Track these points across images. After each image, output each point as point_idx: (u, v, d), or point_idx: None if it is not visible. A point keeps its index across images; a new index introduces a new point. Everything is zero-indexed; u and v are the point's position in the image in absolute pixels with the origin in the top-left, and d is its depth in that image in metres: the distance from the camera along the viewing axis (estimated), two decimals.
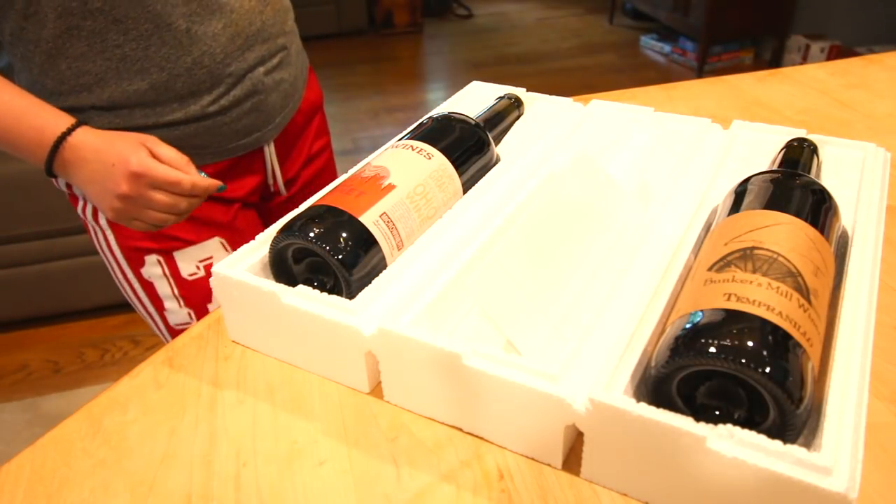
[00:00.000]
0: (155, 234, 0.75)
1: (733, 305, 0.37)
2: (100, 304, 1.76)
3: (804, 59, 2.99)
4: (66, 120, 0.64)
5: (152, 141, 0.65)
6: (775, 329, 0.36)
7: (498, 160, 0.61)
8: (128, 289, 0.81)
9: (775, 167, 0.55)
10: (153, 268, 0.78)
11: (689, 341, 0.37)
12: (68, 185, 0.77)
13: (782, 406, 0.35)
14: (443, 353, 0.41)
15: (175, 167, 0.64)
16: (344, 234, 0.48)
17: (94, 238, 0.80)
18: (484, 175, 0.58)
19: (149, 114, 0.71)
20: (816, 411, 0.37)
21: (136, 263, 0.78)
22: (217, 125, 0.74)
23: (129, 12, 0.66)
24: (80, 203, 0.77)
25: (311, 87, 0.88)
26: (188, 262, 0.78)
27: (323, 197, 0.52)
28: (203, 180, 0.66)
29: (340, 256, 0.47)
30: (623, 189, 0.59)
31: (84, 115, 0.70)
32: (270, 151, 0.82)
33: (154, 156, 0.64)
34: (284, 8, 0.81)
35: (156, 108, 0.71)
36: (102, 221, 0.76)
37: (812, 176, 0.51)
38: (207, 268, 0.79)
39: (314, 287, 0.47)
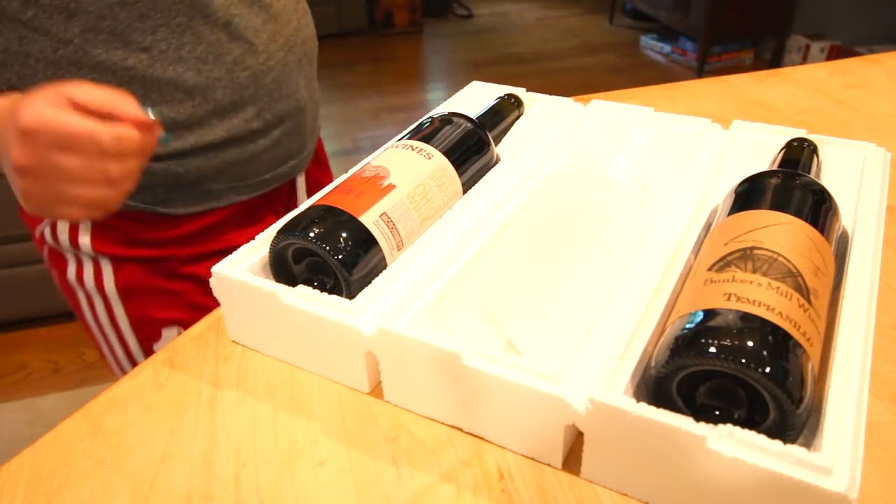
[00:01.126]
0: (179, 303, 0.64)
1: (733, 305, 0.37)
2: None
3: (804, 59, 2.99)
4: None
5: (76, 86, 0.46)
6: (775, 329, 0.36)
7: (498, 160, 0.61)
8: (118, 351, 0.70)
9: (775, 167, 0.55)
10: (168, 336, 0.68)
11: (689, 341, 0.37)
12: (53, 234, 0.66)
13: (782, 406, 0.35)
14: (443, 353, 0.41)
15: (98, 111, 0.45)
16: (344, 234, 0.48)
17: (88, 310, 0.67)
18: (484, 175, 0.58)
19: (185, 133, 0.61)
20: (816, 411, 0.37)
21: (150, 338, 0.68)
22: (258, 149, 0.65)
23: (157, 3, 0.55)
24: (72, 268, 0.66)
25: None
26: None
27: (323, 197, 0.52)
28: (135, 124, 0.46)
29: (340, 256, 0.47)
30: (623, 189, 0.59)
31: None
32: (301, 185, 0.74)
33: (73, 104, 0.45)
34: (307, 8, 0.73)
35: (192, 126, 0.61)
36: (109, 286, 0.65)
37: (812, 176, 0.51)
38: None
39: (314, 287, 0.47)
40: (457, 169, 0.56)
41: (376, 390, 0.48)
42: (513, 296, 0.52)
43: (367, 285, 0.47)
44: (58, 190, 0.46)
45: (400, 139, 0.58)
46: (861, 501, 0.33)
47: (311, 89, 0.73)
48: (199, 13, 0.57)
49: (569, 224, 0.54)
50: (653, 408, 0.36)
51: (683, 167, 0.58)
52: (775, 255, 0.40)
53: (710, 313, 0.38)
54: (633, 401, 0.37)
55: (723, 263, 0.41)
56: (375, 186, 0.51)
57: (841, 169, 0.59)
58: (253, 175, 0.67)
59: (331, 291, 0.47)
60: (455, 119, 0.60)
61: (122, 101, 0.46)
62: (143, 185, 0.62)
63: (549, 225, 0.52)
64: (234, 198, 0.68)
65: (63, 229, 0.67)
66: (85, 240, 0.66)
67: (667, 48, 3.38)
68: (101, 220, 0.64)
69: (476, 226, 0.53)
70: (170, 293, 0.69)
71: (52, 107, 0.44)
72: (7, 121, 0.47)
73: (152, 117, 0.47)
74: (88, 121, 0.44)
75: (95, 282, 0.66)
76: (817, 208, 0.45)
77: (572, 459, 0.42)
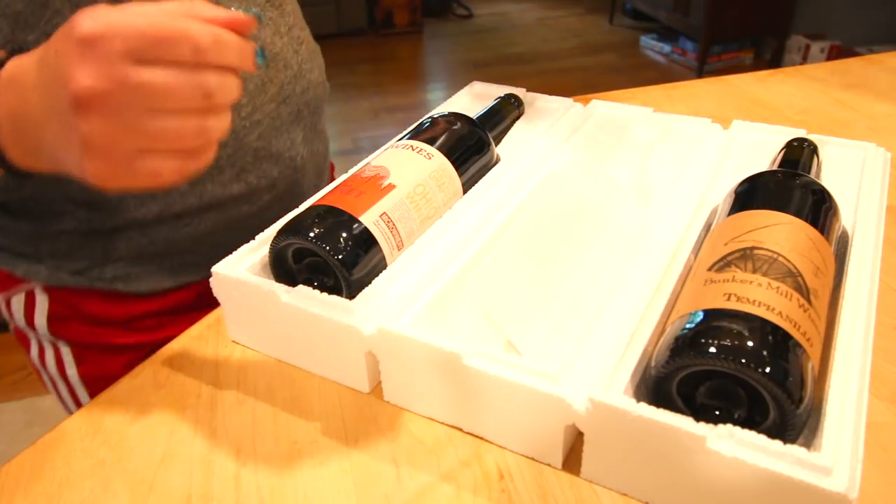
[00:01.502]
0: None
1: (733, 305, 0.37)
2: None
3: (804, 59, 2.99)
4: None
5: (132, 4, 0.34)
6: (775, 329, 0.36)
7: (498, 160, 0.61)
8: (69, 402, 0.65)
9: (775, 167, 0.55)
10: None
11: (689, 341, 0.37)
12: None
13: (782, 406, 0.35)
14: (443, 353, 0.41)
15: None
16: (344, 234, 0.48)
17: (52, 389, 0.62)
18: (484, 175, 0.58)
19: (146, 200, 0.52)
20: (816, 411, 0.37)
21: None
22: (241, 215, 0.57)
23: None
24: (34, 349, 0.60)
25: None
26: None
27: (323, 197, 0.52)
28: (231, 25, 0.34)
29: (340, 256, 0.47)
30: (623, 189, 0.59)
31: (53, 220, 0.52)
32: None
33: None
34: (315, 49, 0.65)
35: (157, 193, 0.52)
36: (71, 373, 0.60)
37: (812, 176, 0.51)
38: None
39: (314, 287, 0.47)
40: (457, 169, 0.56)
41: (376, 390, 0.48)
42: (513, 296, 0.52)
43: (367, 285, 0.47)
44: (140, 125, 0.33)
45: (400, 139, 0.58)
46: (861, 501, 0.33)
47: (312, 144, 0.64)
48: None
49: (569, 224, 0.54)
50: (653, 408, 0.36)
51: (683, 167, 0.58)
52: (775, 255, 0.40)
53: (710, 313, 0.38)
54: (633, 401, 0.37)
55: (723, 263, 0.41)
56: (375, 186, 0.51)
57: (841, 169, 0.59)
58: (240, 243, 0.52)
59: (331, 291, 0.47)
60: (455, 119, 0.60)
61: (200, 5, 0.34)
62: (98, 256, 0.56)
63: (549, 225, 0.52)
64: (196, 273, 0.60)
65: (18, 307, 0.60)
66: (41, 321, 0.59)
67: (667, 48, 3.38)
68: (56, 298, 0.58)
69: (476, 226, 0.53)
70: None
71: (116, 10, 0.32)
72: (45, 67, 0.35)
73: (249, 13, 0.35)
74: (176, 16, 0.32)
75: (57, 367, 0.60)
76: (817, 208, 0.45)
77: (572, 459, 0.42)
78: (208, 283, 0.51)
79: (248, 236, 0.50)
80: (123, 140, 0.33)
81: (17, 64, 0.37)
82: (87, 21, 0.32)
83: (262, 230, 0.51)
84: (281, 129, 0.58)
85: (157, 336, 0.60)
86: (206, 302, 0.54)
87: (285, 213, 0.52)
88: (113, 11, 0.32)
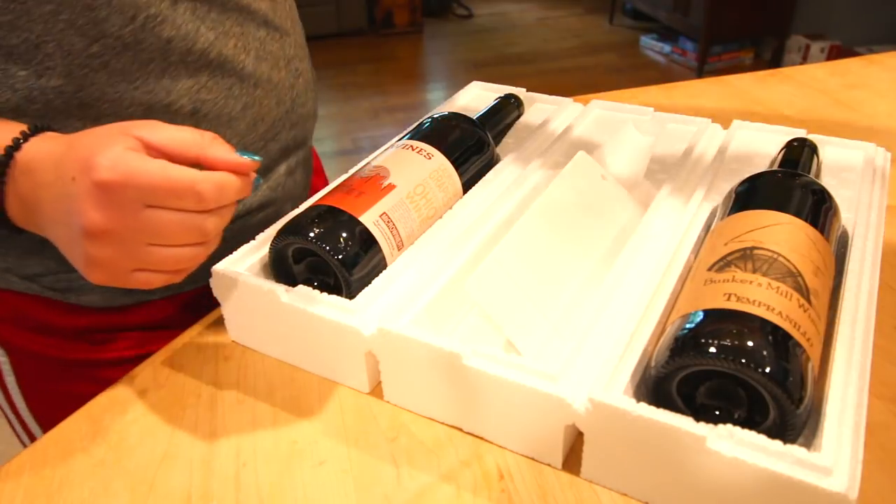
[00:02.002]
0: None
1: (733, 305, 0.37)
2: None
3: (804, 59, 2.99)
4: (12, 129, 0.41)
5: (147, 126, 0.39)
6: (775, 329, 0.36)
7: (498, 160, 0.61)
8: (18, 429, 0.63)
9: (775, 167, 0.55)
10: None
11: (689, 341, 0.37)
12: None
13: (782, 406, 0.35)
14: (443, 353, 0.41)
15: (183, 156, 0.39)
16: (344, 234, 0.48)
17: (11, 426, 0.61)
18: (484, 175, 0.58)
19: None
20: (816, 411, 0.37)
21: None
22: None
23: (105, 91, 0.47)
24: None
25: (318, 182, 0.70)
26: None
27: (323, 197, 0.52)
28: (233, 169, 0.40)
29: (340, 256, 0.47)
30: (623, 189, 0.59)
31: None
32: None
33: (147, 148, 0.39)
34: (312, 79, 0.63)
35: None
36: (9, 381, 0.58)
37: (812, 176, 0.51)
38: None
39: (314, 287, 0.47)
40: (457, 169, 0.56)
41: (376, 390, 0.48)
42: (513, 296, 0.52)
43: (367, 285, 0.47)
44: (141, 254, 0.39)
45: (400, 139, 0.58)
46: (861, 501, 0.33)
47: (294, 174, 0.63)
48: (160, 103, 0.49)
49: (569, 224, 0.54)
50: (653, 408, 0.36)
51: (683, 167, 0.58)
52: (775, 255, 0.40)
53: (710, 313, 0.38)
54: (633, 401, 0.37)
55: (723, 263, 0.41)
56: (375, 186, 0.51)
57: (841, 169, 0.59)
58: (205, 266, 0.51)
59: (331, 291, 0.47)
60: (455, 119, 0.60)
61: (210, 142, 0.39)
62: (52, 266, 0.54)
63: (548, 225, 0.52)
64: (175, 289, 0.57)
65: None
66: None
67: (667, 48, 3.38)
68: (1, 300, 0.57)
69: (476, 226, 0.53)
70: (88, 399, 0.56)
71: (132, 153, 0.37)
72: (61, 172, 0.39)
73: (251, 159, 0.40)
74: (186, 169, 0.38)
75: None
76: (817, 208, 0.45)
77: (572, 459, 0.42)
78: (165, 303, 0.52)
79: (211, 262, 0.48)
80: (125, 263, 0.39)
81: (35, 155, 0.41)
82: (107, 168, 0.36)
83: (230, 253, 0.50)
84: (267, 165, 0.59)
85: (103, 352, 0.59)
86: (162, 323, 0.54)
87: (253, 238, 0.52)
88: (130, 158, 0.37)
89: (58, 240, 0.42)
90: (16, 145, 0.41)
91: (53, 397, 0.60)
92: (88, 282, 0.48)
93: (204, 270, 0.51)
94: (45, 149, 0.41)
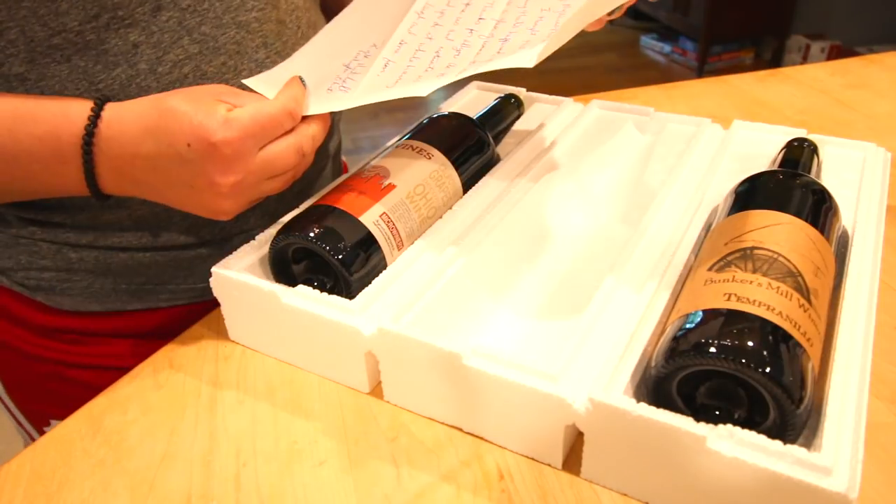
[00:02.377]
0: (73, 403, 0.50)
1: (733, 305, 0.37)
2: None
3: (804, 59, 2.99)
4: (80, 105, 0.44)
5: (231, 94, 0.45)
6: (775, 329, 0.36)
7: (498, 160, 0.61)
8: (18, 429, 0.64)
9: (775, 167, 0.55)
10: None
11: (689, 341, 0.37)
12: None
13: (782, 406, 0.35)
14: (443, 353, 0.41)
15: (274, 133, 0.45)
16: (344, 234, 0.48)
17: None
18: (484, 175, 0.58)
19: (80, 216, 0.53)
20: (816, 411, 0.37)
21: (41, 423, 0.62)
22: (188, 257, 0.57)
23: (66, 86, 0.47)
24: None
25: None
26: None
27: (323, 197, 0.52)
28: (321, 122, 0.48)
29: (340, 256, 0.47)
30: (622, 189, 0.59)
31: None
32: None
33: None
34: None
35: (92, 209, 0.52)
36: None
37: (812, 176, 0.51)
38: None
39: (314, 287, 0.47)
40: (457, 169, 0.56)
41: (376, 390, 0.48)
42: (512, 295, 0.52)
43: (367, 285, 0.47)
44: (263, 188, 0.46)
45: (400, 139, 0.58)
46: (861, 501, 0.33)
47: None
48: None
49: (568, 224, 0.54)
50: (653, 408, 0.36)
51: (683, 167, 0.58)
52: (775, 255, 0.40)
53: (709, 313, 0.38)
54: (633, 401, 0.37)
55: (723, 263, 0.41)
56: (375, 186, 0.51)
57: (841, 169, 0.59)
58: (186, 281, 0.56)
59: (331, 291, 0.47)
60: (455, 119, 0.60)
61: (296, 100, 0.46)
62: (23, 261, 0.55)
63: (548, 224, 0.52)
64: (154, 302, 0.57)
65: None
66: None
67: (667, 48, 3.38)
68: None
69: (476, 226, 0.53)
70: (60, 395, 0.59)
71: (233, 110, 0.42)
72: (172, 139, 0.42)
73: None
74: (273, 101, 0.44)
75: None
76: (817, 208, 0.45)
77: (572, 459, 0.42)
78: (140, 315, 0.53)
79: (200, 279, 0.49)
80: (248, 198, 0.46)
81: (115, 126, 0.43)
82: (221, 128, 0.42)
83: (208, 275, 0.50)
84: None
85: (76, 351, 0.59)
86: (136, 332, 0.54)
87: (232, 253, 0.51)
88: (235, 115, 0.42)
89: (172, 200, 0.46)
90: (93, 122, 0.43)
91: (30, 391, 0.61)
92: (59, 283, 0.53)
93: (184, 289, 0.53)
94: (126, 118, 0.43)
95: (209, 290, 0.50)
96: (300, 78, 0.48)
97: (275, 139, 0.45)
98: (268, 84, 0.49)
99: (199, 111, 0.42)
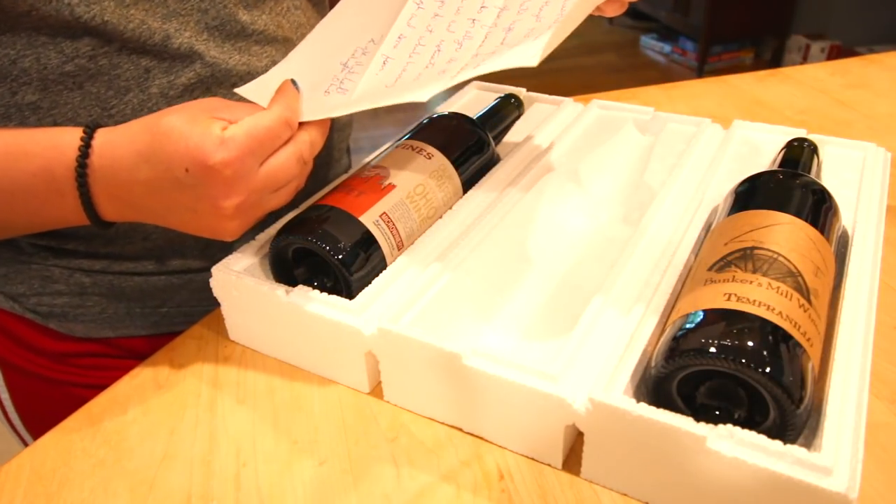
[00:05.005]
0: None
1: (733, 305, 0.37)
2: None
3: (804, 59, 2.99)
4: (70, 135, 0.42)
5: (226, 108, 0.43)
6: (775, 329, 0.36)
7: (498, 160, 0.61)
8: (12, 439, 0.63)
9: (775, 167, 0.55)
10: None
11: (689, 341, 0.37)
12: None
13: (782, 406, 0.35)
14: (443, 353, 0.41)
15: (273, 144, 0.43)
16: (344, 235, 0.48)
17: None
18: (484, 175, 0.58)
19: (95, 240, 0.53)
20: (816, 411, 0.37)
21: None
22: (200, 279, 0.56)
23: (79, 113, 0.48)
24: None
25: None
26: None
27: (323, 197, 0.52)
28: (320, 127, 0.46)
29: (340, 256, 0.47)
30: (622, 189, 0.59)
31: None
32: None
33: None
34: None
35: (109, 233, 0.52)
36: (3, 395, 0.59)
37: (812, 176, 0.51)
38: None
39: (314, 287, 0.47)
40: (457, 169, 0.56)
41: (376, 390, 0.48)
42: (512, 295, 0.52)
43: (367, 285, 0.47)
44: (266, 203, 0.44)
45: (400, 139, 0.58)
46: (861, 501, 0.33)
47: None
48: None
49: (568, 224, 0.54)
50: (653, 408, 0.36)
51: (683, 167, 0.58)
52: (775, 255, 0.40)
53: (710, 313, 0.38)
54: (633, 401, 0.37)
55: (723, 263, 0.41)
56: (375, 186, 0.51)
57: (841, 169, 0.59)
58: (201, 303, 0.56)
59: (331, 291, 0.47)
60: (455, 119, 0.60)
61: (291, 108, 0.43)
62: (36, 286, 0.55)
63: (548, 224, 0.52)
64: (168, 327, 0.57)
65: None
66: None
67: (667, 48, 3.38)
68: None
69: (476, 226, 0.53)
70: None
71: (227, 129, 0.40)
72: (168, 163, 0.40)
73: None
74: (269, 112, 0.42)
75: None
76: (817, 208, 0.45)
77: (572, 459, 0.42)
78: (151, 340, 0.52)
79: (205, 299, 0.48)
80: (253, 216, 0.44)
81: (108, 153, 0.42)
82: (218, 149, 0.39)
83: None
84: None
85: (90, 374, 0.58)
86: (152, 353, 0.54)
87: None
88: (231, 134, 0.40)
89: (174, 223, 0.44)
90: (84, 153, 0.41)
91: (45, 415, 0.59)
92: (73, 309, 0.52)
93: (200, 311, 0.52)
94: (118, 143, 0.42)
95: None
96: (293, 81, 0.46)
97: (274, 151, 0.43)
98: (261, 91, 0.48)
99: (194, 133, 0.39)
